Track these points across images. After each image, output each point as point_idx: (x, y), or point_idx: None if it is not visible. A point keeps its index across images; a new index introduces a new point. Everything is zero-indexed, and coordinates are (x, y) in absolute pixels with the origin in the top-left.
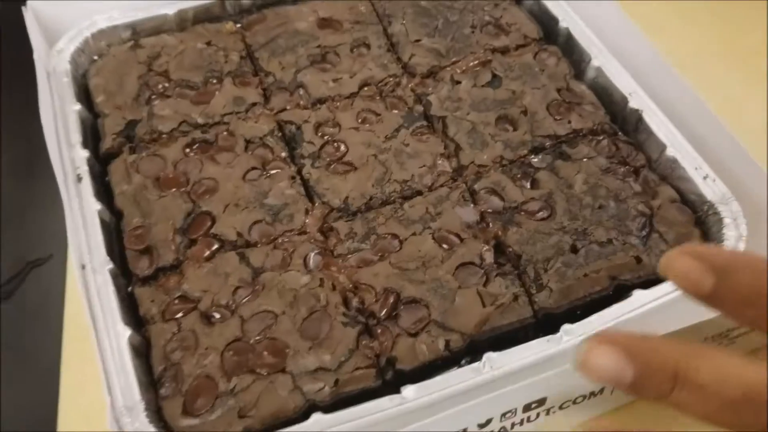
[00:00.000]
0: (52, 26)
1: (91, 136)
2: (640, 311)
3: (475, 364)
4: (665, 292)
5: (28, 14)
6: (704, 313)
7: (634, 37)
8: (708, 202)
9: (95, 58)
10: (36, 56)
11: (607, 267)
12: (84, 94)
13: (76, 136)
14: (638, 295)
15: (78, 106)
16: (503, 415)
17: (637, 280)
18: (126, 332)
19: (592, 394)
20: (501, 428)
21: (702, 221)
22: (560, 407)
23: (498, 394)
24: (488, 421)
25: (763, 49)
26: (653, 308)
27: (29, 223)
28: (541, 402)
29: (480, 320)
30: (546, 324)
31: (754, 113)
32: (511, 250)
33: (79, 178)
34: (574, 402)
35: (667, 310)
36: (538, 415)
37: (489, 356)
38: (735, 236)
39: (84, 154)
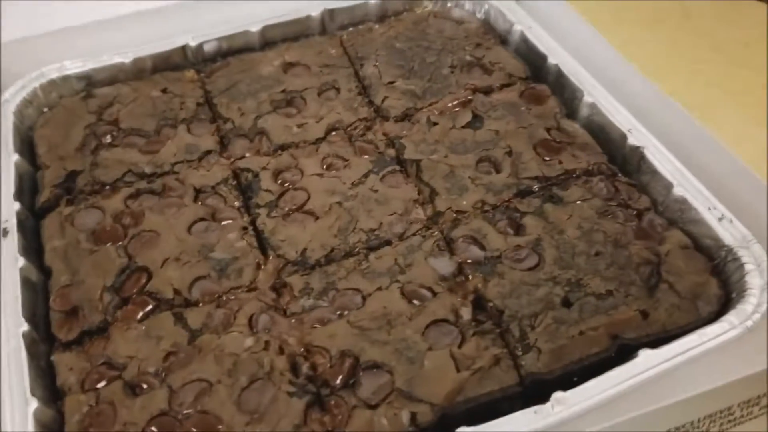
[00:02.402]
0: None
1: (29, 190)
2: (647, 375)
3: None
4: (678, 351)
5: None
6: (726, 376)
7: (627, 72)
8: (726, 247)
9: (44, 110)
10: None
11: (606, 323)
12: (28, 148)
13: (9, 187)
14: (645, 355)
15: (16, 157)
16: None
17: (645, 339)
18: (33, 404)
19: None
20: None
21: (720, 269)
22: None
23: None
24: None
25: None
26: (663, 371)
27: None
28: None
29: (453, 388)
30: (535, 393)
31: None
32: (492, 304)
33: (5, 232)
34: None
35: (680, 373)
36: None
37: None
38: (759, 285)
39: (15, 206)
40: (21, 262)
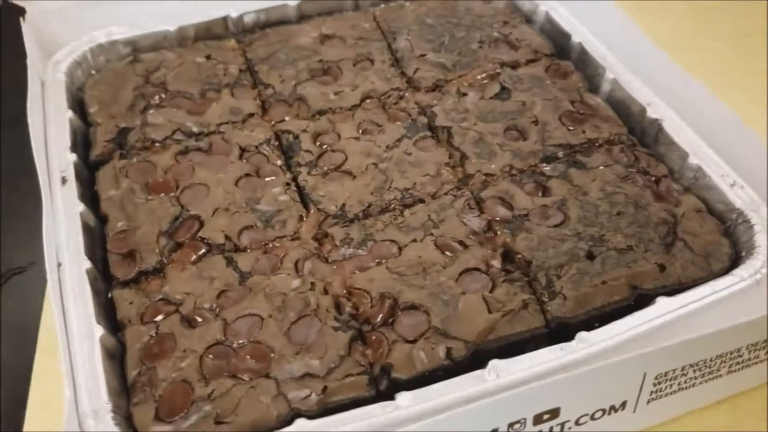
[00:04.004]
0: (51, 39)
1: (82, 145)
2: (664, 319)
3: (478, 372)
4: (693, 299)
5: (26, 25)
6: (735, 318)
7: (647, 49)
8: (737, 210)
9: (93, 72)
10: (29, 62)
11: (627, 275)
12: (78, 107)
13: (66, 141)
14: (662, 302)
15: (70, 113)
16: (511, 425)
17: (661, 290)
18: (99, 331)
19: (613, 408)
20: None
21: (731, 231)
22: (576, 422)
23: (502, 400)
24: None
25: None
26: (679, 316)
27: (9, 231)
28: (553, 414)
29: (485, 328)
30: (560, 336)
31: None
32: (520, 256)
33: (63, 180)
34: (593, 417)
35: (694, 317)
36: (551, 429)
37: (494, 364)
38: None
39: (71, 157)
40: (80, 207)
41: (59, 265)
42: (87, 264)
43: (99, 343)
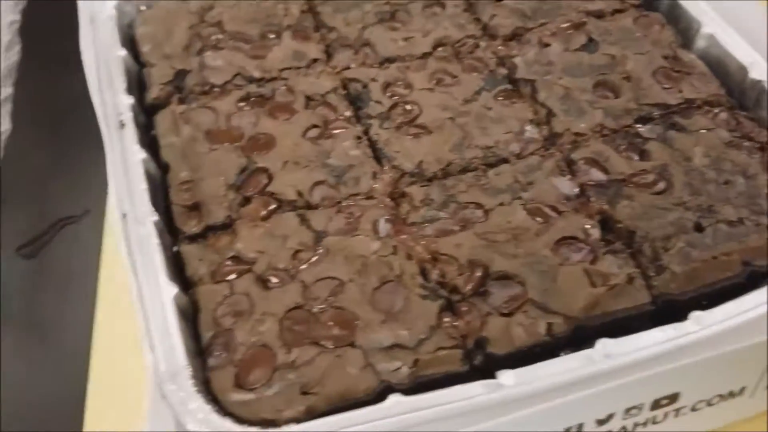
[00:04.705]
0: None
1: (136, 86)
2: None
3: (587, 351)
4: None
5: None
6: None
7: (748, 3)
8: None
9: (142, 8)
10: None
11: (739, 250)
12: (129, 44)
13: (121, 82)
14: None
15: (123, 52)
16: (627, 411)
17: None
18: (172, 289)
19: (731, 394)
20: (621, 428)
21: None
22: (692, 408)
23: (622, 385)
24: (609, 417)
25: None
26: None
27: (60, 178)
28: (672, 399)
29: (589, 302)
30: (664, 313)
31: None
32: (621, 225)
33: (122, 125)
34: (709, 403)
35: None
36: (666, 415)
37: (604, 343)
38: None
39: (128, 100)
40: (142, 154)
41: (124, 215)
42: (154, 216)
43: (173, 303)
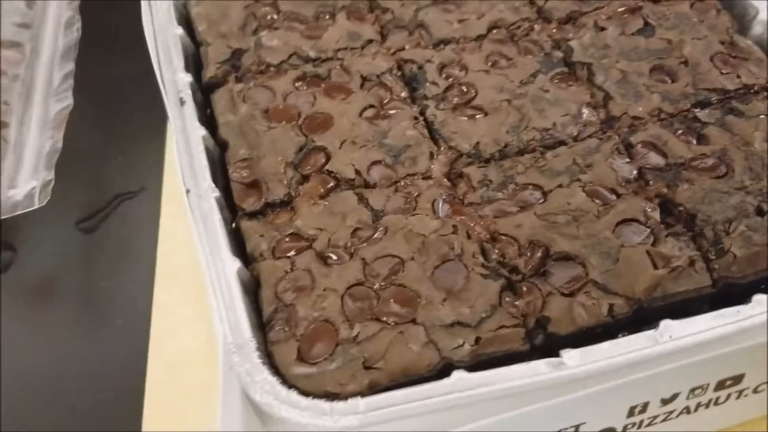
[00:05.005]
0: None
1: (192, 66)
2: None
3: (650, 332)
4: None
5: None
6: None
7: None
8: None
9: None
10: None
11: None
12: (185, 24)
13: (179, 60)
14: None
15: (180, 30)
16: (692, 390)
17: None
18: (235, 264)
19: None
20: (684, 408)
21: None
22: (754, 390)
23: (688, 365)
24: (674, 396)
25: None
26: None
27: (118, 154)
28: (736, 380)
29: (651, 284)
30: (723, 297)
31: None
32: (682, 208)
33: (182, 102)
34: None
35: None
36: (728, 396)
37: (667, 324)
38: None
39: (187, 78)
40: (202, 131)
41: (187, 191)
42: (216, 192)
43: (237, 276)
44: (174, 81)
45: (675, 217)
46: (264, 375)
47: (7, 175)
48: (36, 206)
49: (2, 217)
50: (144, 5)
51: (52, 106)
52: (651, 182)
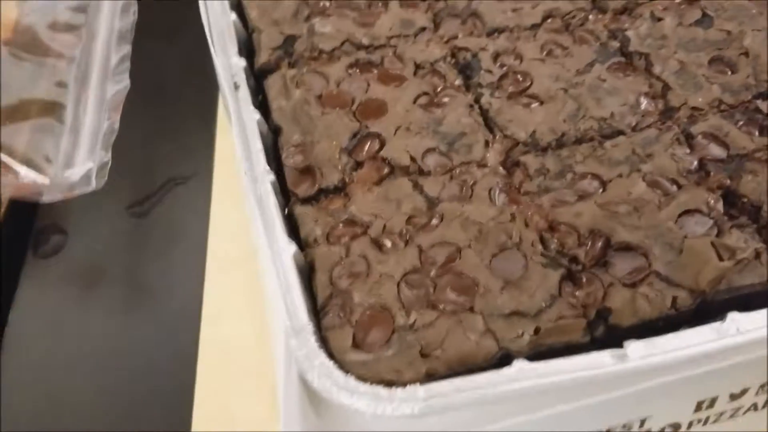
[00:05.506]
0: None
1: (244, 52)
2: None
3: (716, 324)
4: None
5: None
6: None
7: None
8: None
9: None
10: None
11: None
12: (236, 9)
13: (232, 45)
14: None
15: (233, 16)
16: (762, 386)
17: None
18: (291, 248)
19: None
20: (752, 404)
21: None
22: None
23: (756, 359)
24: (743, 392)
25: None
26: None
27: (170, 138)
28: None
29: (716, 276)
30: None
31: None
32: (746, 200)
33: (236, 86)
34: None
35: None
36: None
37: (734, 317)
38: None
39: (241, 63)
40: (256, 115)
41: (245, 173)
42: (271, 175)
43: (293, 260)
44: (228, 66)
45: (738, 209)
46: (321, 359)
47: (64, 156)
48: (93, 188)
49: (59, 198)
50: None
51: (109, 87)
52: (712, 173)
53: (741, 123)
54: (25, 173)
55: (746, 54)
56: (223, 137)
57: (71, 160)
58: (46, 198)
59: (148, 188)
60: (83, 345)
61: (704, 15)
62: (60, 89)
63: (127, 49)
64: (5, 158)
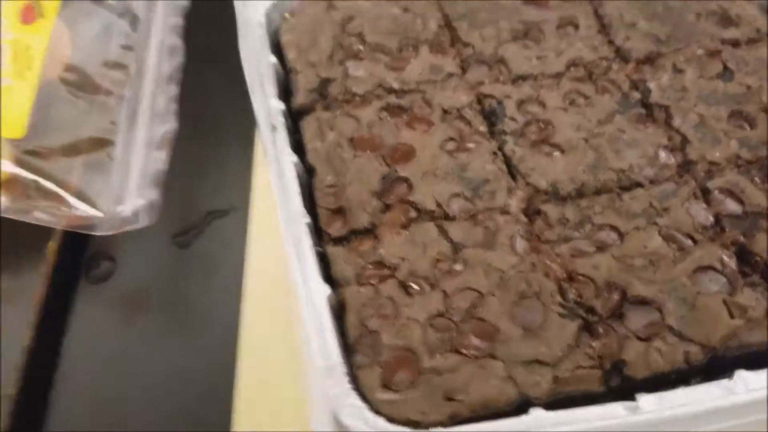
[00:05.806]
0: None
1: (281, 91)
2: None
3: (725, 381)
4: None
5: None
6: None
7: None
8: None
9: (286, 15)
10: (236, 3)
11: None
12: (274, 50)
13: (271, 87)
14: None
15: (273, 59)
16: None
17: None
18: (326, 289)
19: None
20: None
21: None
22: None
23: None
24: None
25: None
26: None
27: (210, 174)
28: None
29: (726, 333)
30: None
31: None
32: (759, 258)
33: (273, 128)
34: None
35: None
36: None
37: (741, 374)
38: None
39: (280, 105)
40: (294, 157)
41: (281, 217)
42: (307, 218)
43: (326, 301)
44: (267, 107)
45: (751, 267)
46: (352, 399)
47: (114, 192)
48: (143, 224)
49: (110, 233)
50: (241, 32)
51: (156, 127)
52: (727, 229)
53: (757, 179)
54: (79, 206)
55: (765, 110)
56: (259, 171)
57: (121, 195)
58: (98, 231)
59: (190, 220)
60: (128, 365)
61: (725, 68)
62: (111, 126)
63: (174, 90)
64: (61, 192)
